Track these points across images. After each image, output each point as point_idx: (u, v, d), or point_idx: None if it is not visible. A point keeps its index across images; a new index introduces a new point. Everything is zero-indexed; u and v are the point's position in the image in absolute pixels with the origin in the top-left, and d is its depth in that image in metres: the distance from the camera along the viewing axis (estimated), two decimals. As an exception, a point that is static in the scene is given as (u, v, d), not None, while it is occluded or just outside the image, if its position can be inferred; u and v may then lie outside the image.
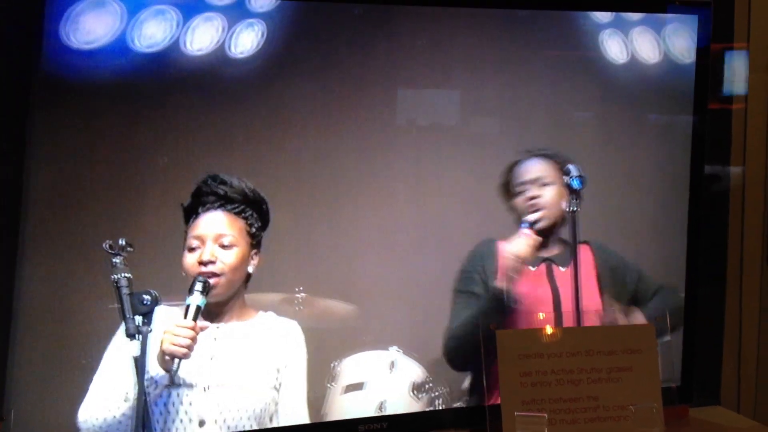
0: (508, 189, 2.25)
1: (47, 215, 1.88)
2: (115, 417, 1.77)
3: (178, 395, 1.83)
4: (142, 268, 1.80)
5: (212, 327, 1.91)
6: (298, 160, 2.07)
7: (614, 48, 2.29)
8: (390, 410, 2.13)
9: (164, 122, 1.96)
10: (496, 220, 2.23)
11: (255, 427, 1.91)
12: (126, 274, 1.67)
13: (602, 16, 2.28)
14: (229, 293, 1.92)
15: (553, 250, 2.27)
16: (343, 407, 2.09)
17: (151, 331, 1.65)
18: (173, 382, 1.79)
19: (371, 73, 2.12)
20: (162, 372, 1.79)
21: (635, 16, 2.30)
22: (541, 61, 2.27)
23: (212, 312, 1.92)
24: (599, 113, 2.34)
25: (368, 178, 2.14)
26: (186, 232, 1.93)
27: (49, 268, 1.88)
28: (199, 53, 1.94)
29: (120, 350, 1.81)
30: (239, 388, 1.89)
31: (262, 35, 1.99)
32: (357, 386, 2.12)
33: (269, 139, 2.05)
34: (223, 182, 1.93)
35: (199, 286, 1.79)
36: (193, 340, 1.76)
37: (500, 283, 2.16)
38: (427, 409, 2.16)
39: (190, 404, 1.83)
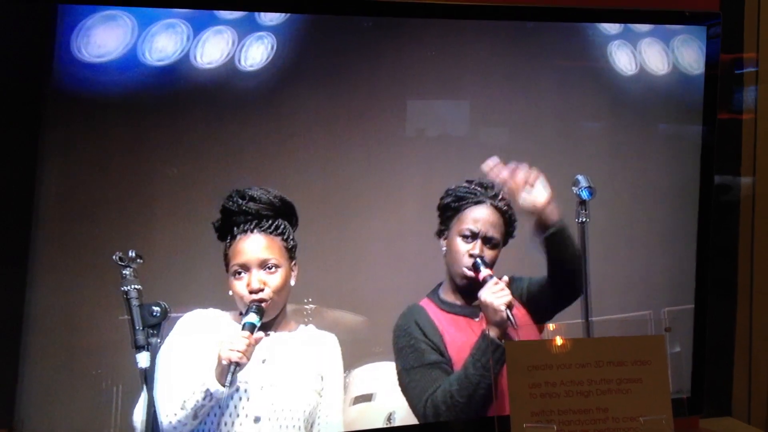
0: (447, 218, 2.14)
1: (58, 227, 1.89)
2: (171, 423, 1.79)
3: (236, 392, 1.86)
4: (151, 280, 1.81)
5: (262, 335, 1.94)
6: (308, 171, 2.08)
7: (623, 59, 2.29)
8: (399, 422, 2.12)
9: (174, 134, 1.97)
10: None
11: (303, 428, 1.94)
12: (136, 286, 1.68)
13: (611, 28, 2.28)
14: (277, 311, 1.95)
15: None
16: (352, 418, 2.09)
17: (160, 342, 1.65)
18: (229, 386, 1.79)
19: (381, 85, 2.13)
20: (216, 386, 1.79)
21: (644, 27, 2.30)
22: (549, 72, 2.27)
23: (262, 325, 1.92)
24: (608, 124, 2.34)
25: (378, 188, 2.15)
26: (226, 255, 1.93)
27: (60, 279, 1.89)
28: (210, 66, 1.96)
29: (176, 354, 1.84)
30: (290, 389, 1.92)
31: (272, 48, 2.00)
32: (366, 397, 2.12)
33: (278, 151, 2.06)
34: (252, 198, 1.93)
35: (254, 308, 1.85)
36: (249, 347, 1.80)
37: (493, 332, 2.05)
38: (436, 421, 2.16)
39: (248, 400, 1.87)
